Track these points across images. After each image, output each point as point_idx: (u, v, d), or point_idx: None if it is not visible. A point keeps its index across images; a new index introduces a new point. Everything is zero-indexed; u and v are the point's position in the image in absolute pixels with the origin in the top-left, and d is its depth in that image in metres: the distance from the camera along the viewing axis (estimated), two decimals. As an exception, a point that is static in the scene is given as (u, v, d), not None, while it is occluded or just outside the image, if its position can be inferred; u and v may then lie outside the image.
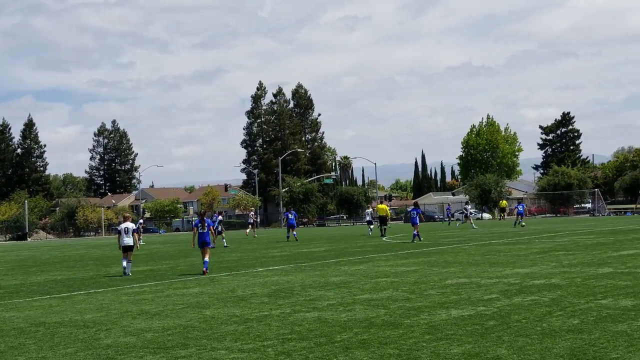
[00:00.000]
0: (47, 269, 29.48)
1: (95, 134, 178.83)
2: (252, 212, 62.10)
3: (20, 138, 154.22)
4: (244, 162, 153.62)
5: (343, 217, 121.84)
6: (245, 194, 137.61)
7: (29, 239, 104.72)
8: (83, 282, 21.59)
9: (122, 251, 23.81)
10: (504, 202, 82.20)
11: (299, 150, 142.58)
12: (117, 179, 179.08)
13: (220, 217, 46.38)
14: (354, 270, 20.68)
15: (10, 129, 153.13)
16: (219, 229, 42.19)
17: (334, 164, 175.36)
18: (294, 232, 45.98)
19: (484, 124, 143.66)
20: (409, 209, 42.39)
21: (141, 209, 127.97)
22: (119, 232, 24.04)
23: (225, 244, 41.97)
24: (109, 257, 36.87)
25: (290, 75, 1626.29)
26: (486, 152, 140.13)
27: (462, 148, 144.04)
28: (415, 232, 37.01)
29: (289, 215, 46.76)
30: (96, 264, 30.63)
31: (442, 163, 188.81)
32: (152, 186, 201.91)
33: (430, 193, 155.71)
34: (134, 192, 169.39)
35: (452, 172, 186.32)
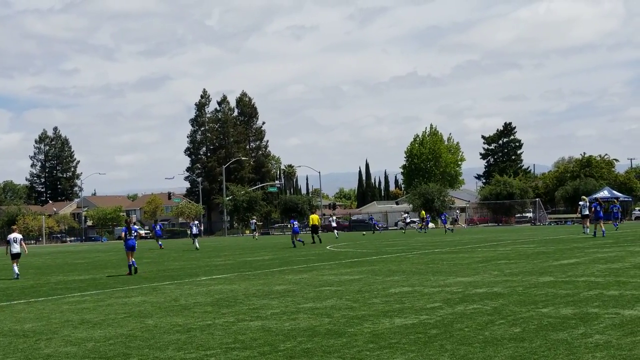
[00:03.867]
0: (-15, 277, 29.00)
1: (36, 141, 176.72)
2: (254, 219, 77.03)
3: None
4: (188, 170, 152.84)
5: (287, 225, 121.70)
6: (189, 202, 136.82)
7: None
8: (23, 291, 21.26)
9: (11, 259, 26.43)
10: (422, 212, 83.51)
11: (243, 158, 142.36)
12: (59, 186, 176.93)
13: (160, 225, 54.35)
14: (298, 279, 20.66)
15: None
16: (195, 231, 52.48)
17: (278, 172, 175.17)
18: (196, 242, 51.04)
19: (427, 133, 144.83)
20: (329, 217, 53.01)
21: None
22: (8, 242, 26.71)
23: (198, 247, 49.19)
24: (49, 265, 36.39)
25: (236, 84, 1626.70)
26: (429, 162, 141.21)
27: (405, 157, 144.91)
28: (336, 234, 48.95)
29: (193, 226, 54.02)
30: (36, 273, 30.20)
31: (386, 172, 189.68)
32: (94, 194, 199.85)
33: (374, 202, 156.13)
34: (76, 200, 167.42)
35: (396, 181, 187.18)
